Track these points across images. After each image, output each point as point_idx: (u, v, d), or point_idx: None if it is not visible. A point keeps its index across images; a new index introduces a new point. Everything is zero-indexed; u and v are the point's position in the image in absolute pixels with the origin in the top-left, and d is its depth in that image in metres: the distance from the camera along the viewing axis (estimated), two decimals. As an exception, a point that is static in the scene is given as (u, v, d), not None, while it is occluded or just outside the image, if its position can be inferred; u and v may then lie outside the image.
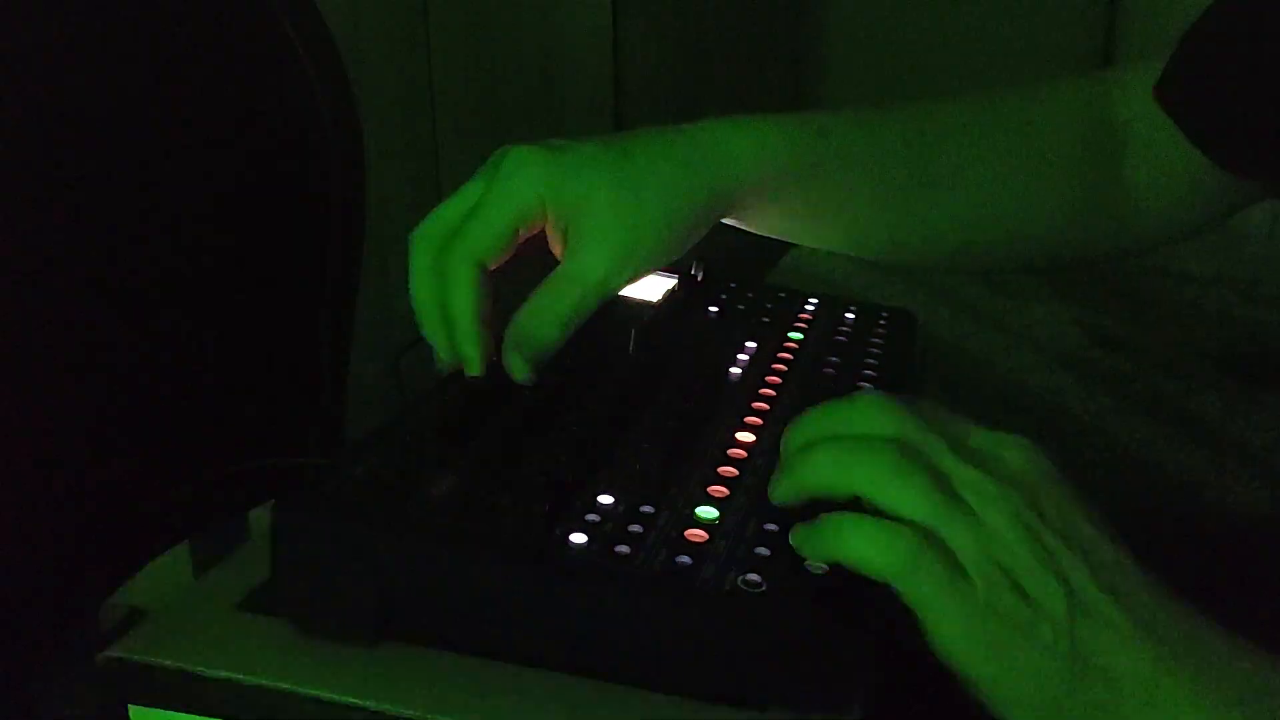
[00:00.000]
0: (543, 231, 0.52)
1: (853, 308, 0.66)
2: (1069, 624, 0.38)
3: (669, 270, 0.63)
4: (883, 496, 0.40)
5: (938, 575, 0.38)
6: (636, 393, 0.52)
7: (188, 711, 0.39)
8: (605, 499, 0.43)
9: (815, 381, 0.56)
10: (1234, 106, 0.59)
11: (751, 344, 0.59)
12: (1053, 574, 0.39)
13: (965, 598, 0.38)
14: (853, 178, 0.59)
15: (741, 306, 0.65)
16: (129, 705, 0.39)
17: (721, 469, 0.46)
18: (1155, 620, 0.39)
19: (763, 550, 0.41)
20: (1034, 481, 0.41)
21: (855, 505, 0.41)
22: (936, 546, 0.39)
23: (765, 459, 0.47)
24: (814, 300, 0.66)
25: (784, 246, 0.64)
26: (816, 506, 0.42)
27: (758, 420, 0.51)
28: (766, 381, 0.55)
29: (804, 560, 0.41)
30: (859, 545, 0.39)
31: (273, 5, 0.70)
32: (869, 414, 0.43)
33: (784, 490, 0.43)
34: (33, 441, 0.58)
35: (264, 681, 0.39)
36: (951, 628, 0.38)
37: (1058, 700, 0.38)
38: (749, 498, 0.45)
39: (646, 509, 0.43)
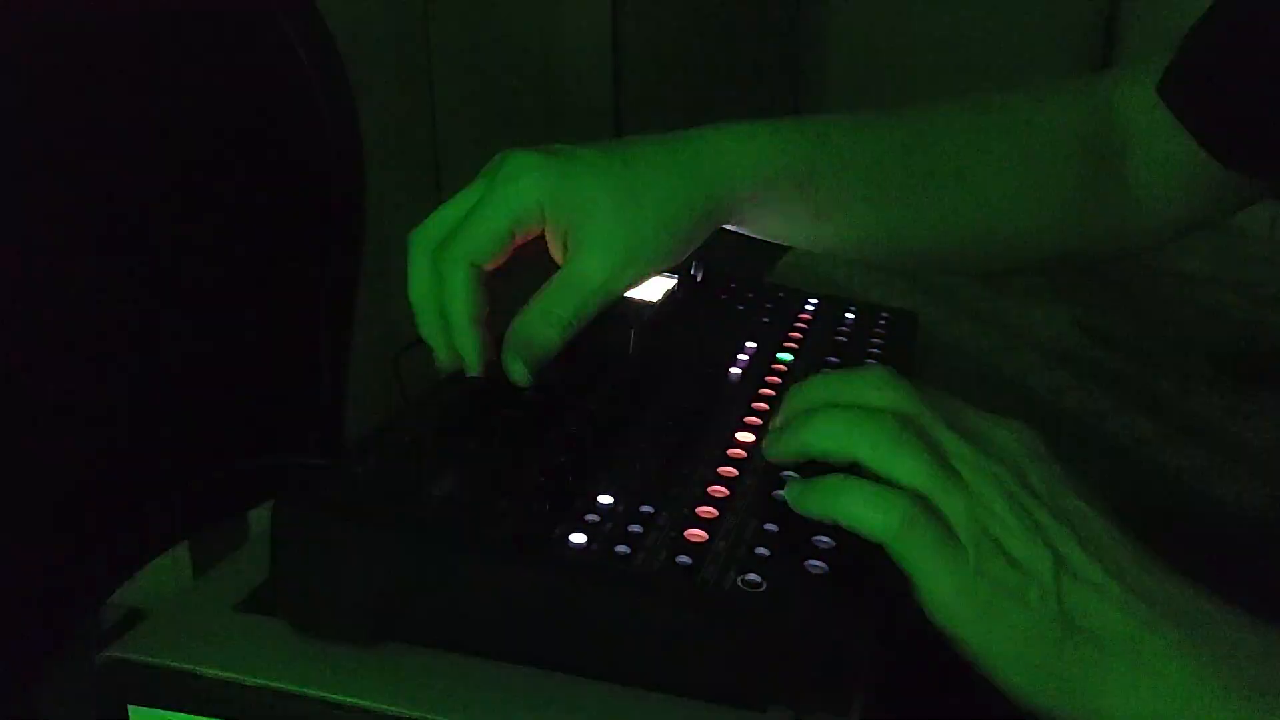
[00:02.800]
0: (542, 235, 0.52)
1: (853, 308, 0.66)
2: (1056, 587, 0.40)
3: (668, 270, 0.63)
4: (881, 463, 0.42)
5: (930, 539, 0.40)
6: (636, 393, 0.52)
7: (188, 711, 0.39)
8: (605, 499, 0.43)
9: None
10: (1238, 104, 0.59)
11: (751, 344, 0.59)
12: (1040, 541, 0.40)
13: (956, 561, 0.40)
14: (851, 181, 0.59)
15: (741, 306, 0.64)
16: (129, 705, 0.39)
17: (721, 469, 0.46)
18: (1141, 583, 0.40)
19: (762, 550, 0.41)
20: (1024, 458, 0.43)
21: (850, 470, 0.42)
22: (930, 512, 0.41)
23: (764, 460, 0.47)
24: (814, 300, 0.66)
25: (784, 247, 0.64)
26: (810, 469, 0.43)
27: (757, 420, 0.51)
28: (766, 381, 0.55)
29: (804, 560, 0.41)
30: (856, 506, 0.41)
31: (273, 6, 0.70)
32: (874, 384, 0.44)
33: (783, 447, 0.45)
34: (33, 441, 0.58)
35: (264, 681, 0.39)
36: (943, 590, 0.40)
37: (1045, 660, 0.40)
38: (749, 498, 0.45)
39: (646, 509, 0.43)
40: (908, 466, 0.41)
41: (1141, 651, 0.39)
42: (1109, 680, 0.39)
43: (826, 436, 0.43)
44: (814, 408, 0.44)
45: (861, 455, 0.42)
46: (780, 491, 0.44)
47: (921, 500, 0.41)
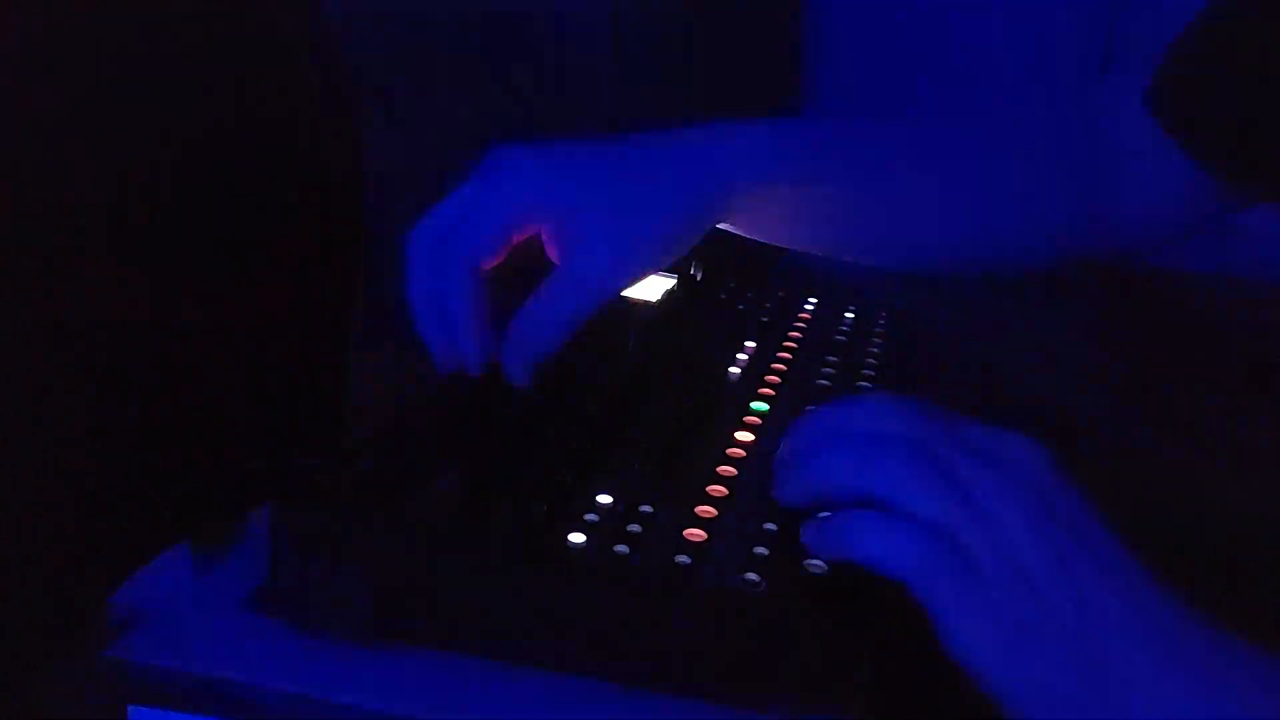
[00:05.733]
0: (539, 233, 0.52)
1: (853, 308, 0.66)
2: (1079, 622, 0.39)
3: (668, 270, 0.63)
4: (897, 497, 0.40)
5: (953, 575, 0.39)
6: (636, 393, 0.52)
7: (188, 711, 0.39)
8: (604, 499, 0.43)
9: (815, 381, 0.56)
10: (1224, 112, 0.60)
11: (751, 344, 0.59)
12: (1064, 573, 0.39)
13: (980, 598, 0.39)
14: (847, 184, 0.59)
15: (741, 306, 0.65)
16: (129, 705, 0.39)
17: (721, 469, 0.46)
18: (1161, 620, 0.39)
19: (762, 550, 0.41)
20: (1043, 481, 0.41)
21: (862, 504, 0.41)
22: (950, 545, 0.39)
23: (764, 459, 0.47)
24: (814, 300, 0.66)
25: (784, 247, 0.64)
26: (820, 506, 0.42)
27: (757, 420, 0.51)
28: (766, 381, 0.55)
29: (803, 560, 0.41)
30: (874, 545, 0.39)
31: (273, 5, 0.70)
32: (879, 413, 0.42)
33: (794, 491, 0.43)
34: (33, 441, 0.58)
35: (264, 681, 0.39)
36: (966, 627, 0.39)
37: (1068, 698, 0.39)
38: (748, 498, 0.45)
39: (646, 509, 0.43)
40: (924, 498, 0.40)
41: (1160, 691, 0.38)
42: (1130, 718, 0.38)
43: (836, 473, 0.41)
44: (818, 444, 0.43)
45: (874, 489, 0.40)
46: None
47: (941, 534, 0.39)
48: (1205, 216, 0.65)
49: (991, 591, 0.39)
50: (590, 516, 0.42)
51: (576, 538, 0.41)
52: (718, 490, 0.45)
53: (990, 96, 0.65)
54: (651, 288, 0.61)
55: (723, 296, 0.65)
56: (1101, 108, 0.64)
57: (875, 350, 0.60)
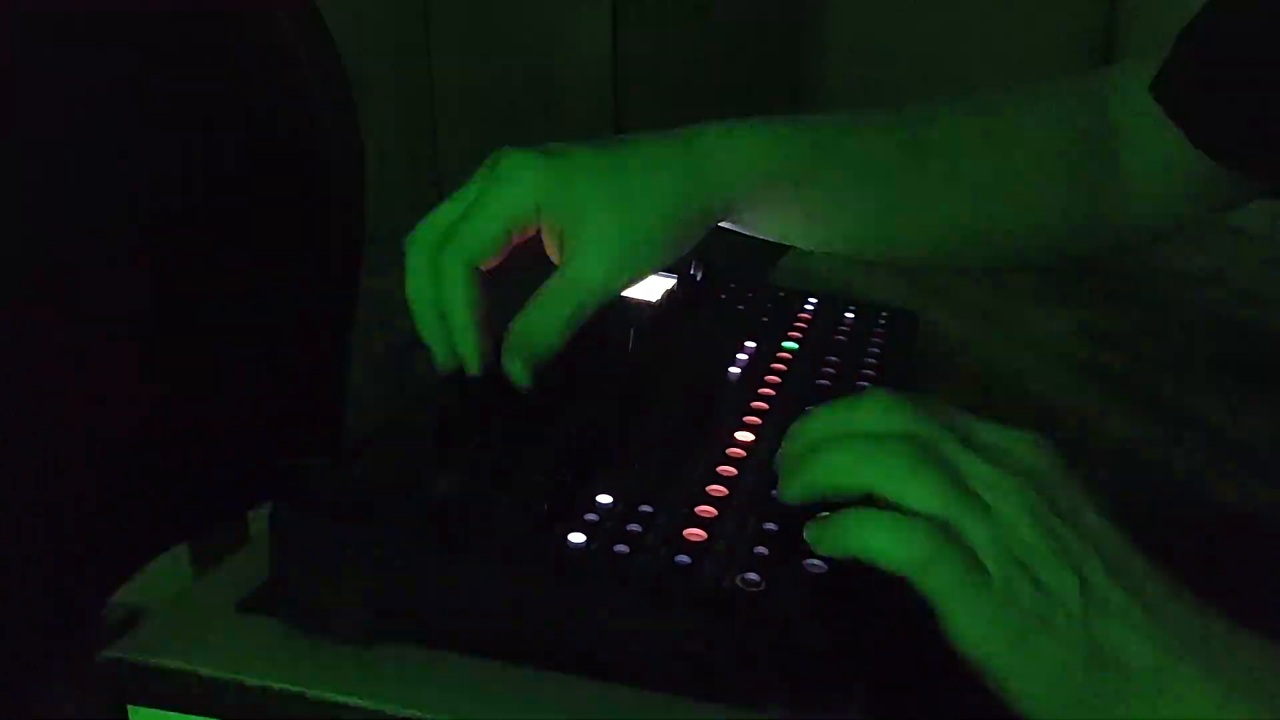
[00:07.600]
0: (539, 234, 0.52)
1: (853, 308, 0.66)
2: (1083, 613, 0.39)
3: (668, 270, 0.63)
4: (899, 493, 0.40)
5: (956, 569, 0.39)
6: (636, 393, 0.52)
7: (188, 711, 0.39)
8: (604, 499, 0.43)
9: (815, 381, 0.56)
10: (1231, 103, 0.60)
11: (751, 344, 0.59)
12: (1066, 565, 0.39)
13: (983, 590, 0.39)
14: (849, 180, 0.59)
15: (741, 306, 0.65)
16: (129, 705, 0.39)
17: (721, 469, 0.46)
18: (1164, 610, 0.39)
19: (762, 550, 0.41)
20: (1045, 474, 0.41)
21: (864, 501, 0.41)
22: (953, 540, 0.39)
23: (764, 459, 0.47)
24: (814, 300, 0.66)
25: (784, 246, 0.64)
26: (820, 504, 0.42)
27: (757, 420, 0.51)
28: (766, 381, 0.55)
29: (803, 559, 0.41)
30: (877, 540, 0.40)
31: (273, 6, 0.70)
32: (880, 411, 0.43)
33: (797, 489, 0.43)
34: (33, 442, 0.58)
35: (264, 681, 0.39)
36: (969, 620, 0.39)
37: (1072, 689, 0.39)
38: (748, 497, 0.45)
39: (645, 509, 0.43)
40: (926, 494, 0.40)
41: (1165, 681, 0.38)
42: (1133, 710, 0.38)
43: (837, 470, 0.42)
44: (820, 442, 0.43)
45: (876, 486, 0.41)
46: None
47: (944, 528, 0.39)
48: (1208, 207, 0.65)
49: (994, 585, 0.39)
50: (590, 516, 0.42)
51: (576, 537, 0.41)
52: (717, 490, 0.45)
53: (990, 91, 0.65)
54: (651, 288, 0.61)
55: (723, 296, 0.65)
56: (1105, 98, 0.64)
57: (875, 350, 0.60)
